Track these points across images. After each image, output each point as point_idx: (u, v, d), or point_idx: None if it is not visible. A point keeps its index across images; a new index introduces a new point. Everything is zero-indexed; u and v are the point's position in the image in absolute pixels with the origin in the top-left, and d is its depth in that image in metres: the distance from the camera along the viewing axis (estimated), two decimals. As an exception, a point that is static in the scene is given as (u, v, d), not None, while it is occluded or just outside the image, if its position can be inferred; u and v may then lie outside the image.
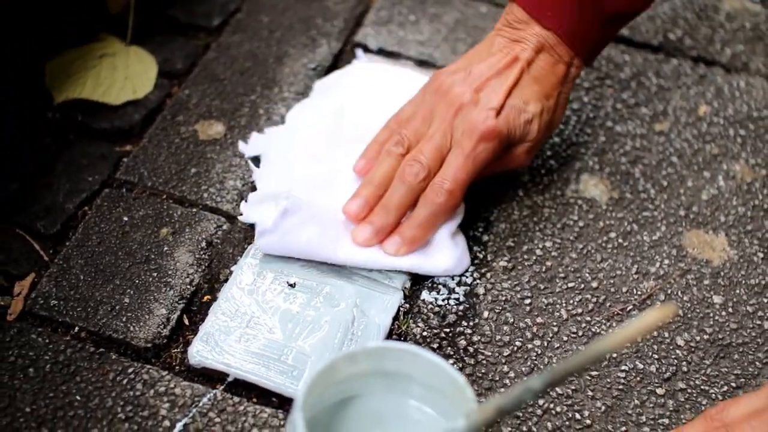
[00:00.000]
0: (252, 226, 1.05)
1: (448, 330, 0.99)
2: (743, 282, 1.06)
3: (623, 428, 0.93)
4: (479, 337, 0.99)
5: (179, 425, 0.90)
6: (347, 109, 1.17)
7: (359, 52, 1.31)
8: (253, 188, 1.10)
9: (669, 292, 1.05)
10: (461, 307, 1.01)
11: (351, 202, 1.04)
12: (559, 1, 1.05)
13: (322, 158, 1.12)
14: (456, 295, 1.02)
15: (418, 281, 1.04)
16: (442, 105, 1.05)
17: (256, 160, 1.14)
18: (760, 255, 1.09)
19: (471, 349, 0.98)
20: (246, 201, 1.07)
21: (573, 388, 0.96)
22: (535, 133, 1.06)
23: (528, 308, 1.02)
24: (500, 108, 1.03)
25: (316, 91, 1.24)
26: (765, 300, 1.05)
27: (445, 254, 1.04)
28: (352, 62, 1.29)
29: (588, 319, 1.01)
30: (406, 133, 1.06)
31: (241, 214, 1.06)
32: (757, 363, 0.99)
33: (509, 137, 1.04)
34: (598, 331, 1.00)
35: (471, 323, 1.00)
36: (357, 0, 1.38)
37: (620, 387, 0.96)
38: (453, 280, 1.04)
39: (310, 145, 1.13)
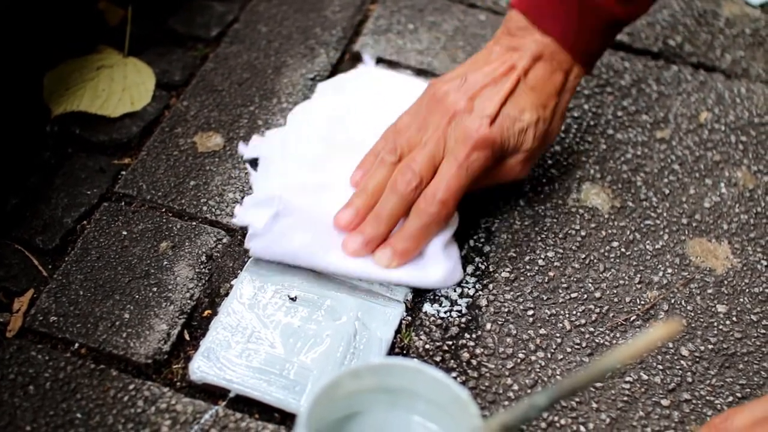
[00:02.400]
0: (246, 231, 1.05)
1: (450, 342, 0.99)
2: (747, 290, 1.06)
3: (628, 440, 0.93)
4: (482, 350, 0.98)
5: (181, 442, 0.90)
6: (347, 116, 1.17)
7: (366, 56, 1.30)
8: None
9: (672, 301, 1.04)
10: (464, 319, 1.01)
11: (342, 211, 1.04)
12: (559, 6, 1.04)
13: (319, 164, 1.11)
14: (458, 307, 1.02)
15: (420, 293, 1.03)
16: (437, 113, 1.04)
17: (255, 163, 1.14)
18: (764, 263, 1.08)
19: (474, 362, 0.97)
20: (241, 204, 1.07)
21: (577, 400, 0.95)
22: (530, 143, 1.05)
23: (531, 319, 1.01)
24: (494, 116, 1.02)
25: (318, 93, 1.24)
26: (769, 308, 1.04)
27: (438, 266, 1.03)
28: (357, 66, 1.29)
29: (591, 329, 1.01)
30: (400, 142, 1.05)
31: (235, 217, 1.06)
32: (763, 372, 0.99)
33: (503, 146, 1.03)
34: (601, 342, 1.00)
35: (474, 335, 1.00)
36: (355, 9, 1.37)
37: (625, 399, 0.95)
38: (455, 291, 1.03)
39: (307, 151, 1.13)
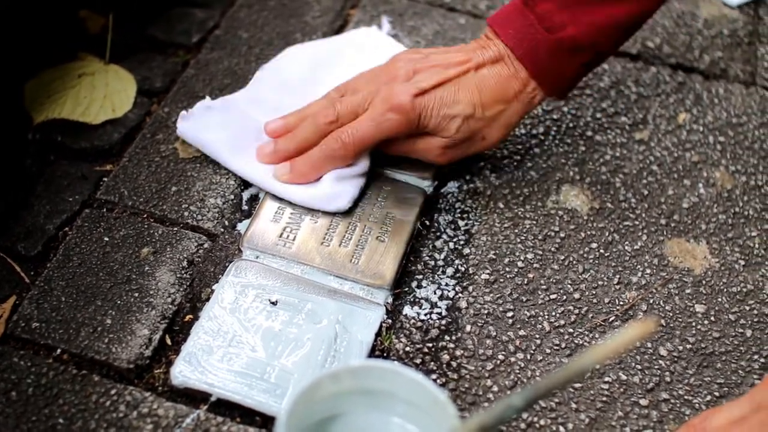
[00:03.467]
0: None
1: (430, 345, 0.99)
2: (725, 290, 1.07)
3: (607, 440, 0.94)
4: (462, 352, 0.99)
5: (163, 446, 0.90)
6: (323, 65, 1.25)
7: (385, 19, 1.36)
8: (235, 205, 1.11)
9: (651, 301, 1.05)
10: (443, 322, 1.01)
11: (275, 120, 1.14)
12: (520, 22, 1.06)
13: (275, 90, 1.22)
14: (438, 310, 1.03)
15: (400, 296, 1.04)
16: (383, 74, 1.11)
17: None
18: (742, 263, 1.09)
19: (454, 364, 0.98)
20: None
21: (557, 400, 0.96)
22: (452, 132, 1.08)
23: (510, 321, 1.02)
24: (424, 92, 1.06)
25: (327, 39, 1.32)
26: (747, 308, 1.05)
27: (321, 189, 1.10)
28: (370, 27, 1.35)
29: (571, 330, 1.02)
30: (348, 86, 1.13)
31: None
32: (740, 371, 0.99)
33: (420, 122, 1.07)
34: (581, 342, 1.01)
35: (453, 337, 1.00)
36: (335, 14, 1.38)
37: (604, 399, 0.96)
38: (435, 294, 1.04)
39: (273, 78, 1.24)
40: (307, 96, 1.17)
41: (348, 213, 1.10)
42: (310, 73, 1.24)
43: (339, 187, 1.09)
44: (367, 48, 1.28)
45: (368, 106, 1.08)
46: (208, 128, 1.15)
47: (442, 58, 1.09)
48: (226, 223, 1.09)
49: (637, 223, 1.13)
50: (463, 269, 1.07)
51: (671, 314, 1.04)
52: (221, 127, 1.15)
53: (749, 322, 1.04)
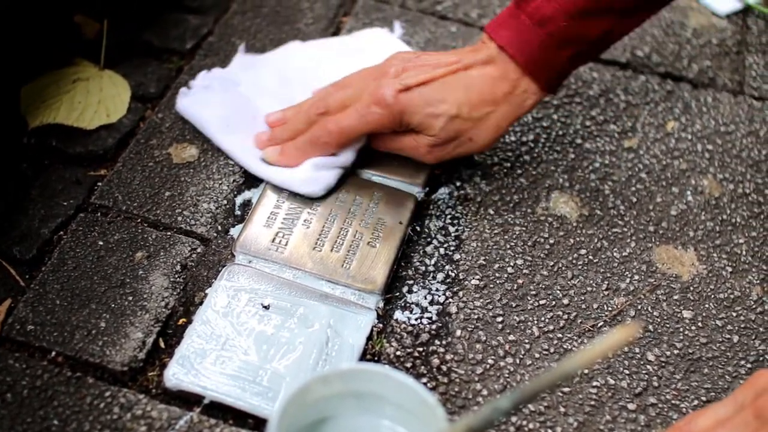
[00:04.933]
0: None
1: (421, 349, 1.00)
2: (712, 296, 1.08)
3: (595, 443, 0.95)
4: (452, 356, 1.00)
5: (156, 448, 0.91)
6: (327, 60, 1.28)
7: (397, 24, 1.38)
8: (228, 210, 1.12)
9: (639, 307, 1.06)
10: (434, 326, 1.02)
11: (275, 112, 1.19)
12: (514, 21, 1.07)
13: (276, 79, 1.26)
14: (429, 314, 1.03)
15: (391, 301, 1.05)
16: (375, 71, 1.13)
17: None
18: (729, 269, 1.10)
19: (444, 368, 0.99)
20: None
21: (545, 404, 0.97)
22: (436, 131, 1.09)
23: (500, 326, 1.03)
24: (408, 88, 1.08)
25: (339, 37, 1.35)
26: (734, 314, 1.06)
27: (299, 173, 1.13)
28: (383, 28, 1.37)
29: (560, 335, 1.03)
30: (343, 82, 1.16)
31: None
32: (727, 376, 1.00)
33: (403, 118, 1.09)
34: (569, 347, 1.02)
35: (444, 342, 1.01)
36: (328, 22, 1.39)
37: (592, 403, 0.97)
38: (426, 299, 1.05)
39: (279, 66, 1.28)
40: (306, 89, 1.20)
41: (340, 217, 1.11)
42: (313, 68, 1.26)
43: (317, 174, 1.13)
44: (373, 48, 1.30)
45: (357, 101, 1.11)
46: (206, 106, 1.20)
47: (433, 59, 1.11)
48: (219, 227, 1.10)
49: (625, 230, 1.14)
50: (453, 275, 1.08)
51: (659, 320, 1.05)
52: (218, 106, 1.20)
53: (736, 327, 1.05)
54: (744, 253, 1.12)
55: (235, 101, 1.21)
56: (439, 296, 1.05)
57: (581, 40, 1.07)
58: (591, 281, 1.08)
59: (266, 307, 1.01)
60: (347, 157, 1.14)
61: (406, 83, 1.08)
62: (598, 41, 1.09)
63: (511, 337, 1.02)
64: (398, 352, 1.00)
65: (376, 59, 1.16)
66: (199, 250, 1.08)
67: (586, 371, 1.00)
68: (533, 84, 1.09)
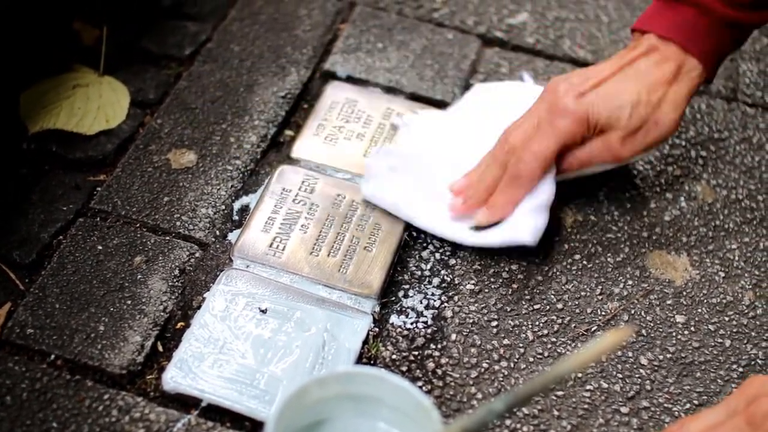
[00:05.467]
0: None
1: (416, 353, 1.01)
2: (705, 301, 1.09)
3: (588, 446, 0.96)
4: (447, 360, 1.01)
5: (154, 450, 0.92)
6: (489, 122, 1.22)
7: (525, 75, 1.35)
8: (226, 215, 1.13)
9: (632, 312, 1.07)
10: (429, 330, 1.03)
11: (459, 180, 1.14)
12: (669, 12, 1.09)
13: (449, 148, 1.21)
14: (424, 319, 1.04)
15: (387, 305, 1.06)
16: (541, 101, 1.12)
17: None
18: (722, 274, 1.11)
19: (439, 372, 1.00)
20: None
21: (539, 408, 0.98)
22: (624, 121, 1.08)
23: (495, 330, 1.04)
24: (584, 93, 1.08)
25: (473, 92, 1.30)
26: (726, 318, 1.07)
27: (520, 226, 1.09)
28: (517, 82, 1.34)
29: (554, 340, 1.04)
30: (511, 128, 1.13)
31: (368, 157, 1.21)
32: (719, 380, 1.01)
33: (590, 119, 1.08)
34: (563, 351, 1.02)
35: (439, 346, 1.02)
36: (325, 29, 1.40)
37: (585, 406, 0.98)
38: (421, 303, 1.06)
39: (447, 134, 1.23)
40: (476, 151, 1.16)
41: (337, 222, 1.12)
42: (477, 129, 1.22)
43: (534, 220, 1.10)
44: (518, 94, 1.27)
45: (538, 125, 1.09)
46: (393, 190, 1.14)
47: (594, 68, 1.12)
48: (217, 232, 1.11)
49: (619, 235, 1.15)
50: (448, 279, 1.09)
51: (652, 324, 1.06)
52: (407, 189, 1.15)
53: (728, 332, 1.06)
54: (737, 258, 1.13)
55: (419, 178, 1.16)
56: (435, 300, 1.06)
57: (742, 25, 1.10)
58: (585, 286, 1.09)
59: (263, 311, 1.02)
60: (549, 192, 1.11)
61: (580, 89, 1.08)
62: (759, 25, 1.13)
63: (506, 341, 1.03)
64: (394, 356, 1.01)
65: (527, 101, 1.15)
66: (197, 254, 1.08)
67: (579, 375, 1.01)
68: (695, 60, 1.09)
